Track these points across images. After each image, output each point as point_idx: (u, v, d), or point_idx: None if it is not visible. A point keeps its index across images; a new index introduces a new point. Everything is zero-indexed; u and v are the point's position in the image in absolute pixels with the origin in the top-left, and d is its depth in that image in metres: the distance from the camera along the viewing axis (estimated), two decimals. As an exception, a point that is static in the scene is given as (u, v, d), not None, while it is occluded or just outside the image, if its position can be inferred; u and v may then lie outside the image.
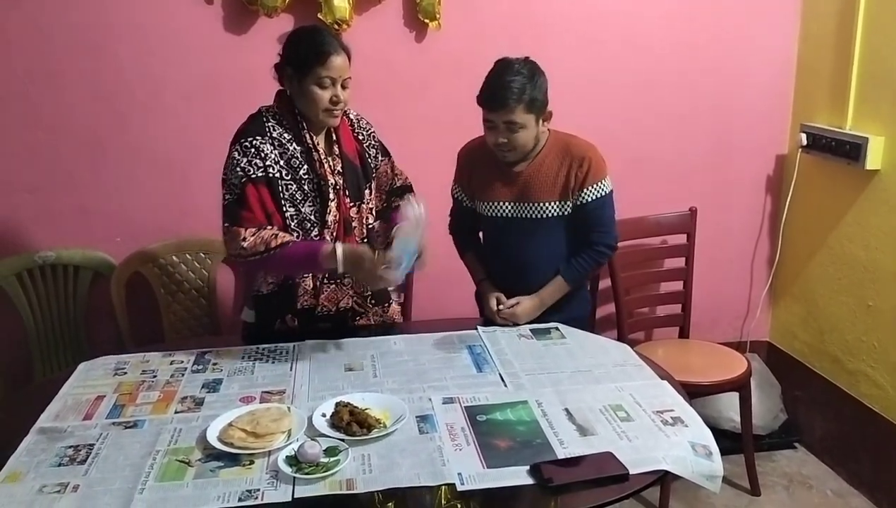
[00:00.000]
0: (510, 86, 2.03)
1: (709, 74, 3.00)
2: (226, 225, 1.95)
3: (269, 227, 1.95)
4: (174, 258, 2.76)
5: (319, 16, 2.61)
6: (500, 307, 2.17)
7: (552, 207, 2.18)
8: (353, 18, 2.66)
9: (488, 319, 2.21)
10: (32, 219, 2.69)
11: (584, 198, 2.16)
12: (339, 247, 1.90)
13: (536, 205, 2.18)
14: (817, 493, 2.80)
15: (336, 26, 2.62)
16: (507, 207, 2.21)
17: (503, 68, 2.08)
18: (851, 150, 2.66)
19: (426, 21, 2.72)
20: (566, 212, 2.19)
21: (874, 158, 2.60)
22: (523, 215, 2.20)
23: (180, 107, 2.69)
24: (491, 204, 2.23)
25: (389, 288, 2.19)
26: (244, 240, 1.91)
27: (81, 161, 2.68)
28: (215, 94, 2.68)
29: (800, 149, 2.94)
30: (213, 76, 2.68)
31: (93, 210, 2.72)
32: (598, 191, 2.17)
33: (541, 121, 2.12)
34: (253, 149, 1.95)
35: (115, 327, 2.72)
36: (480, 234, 2.39)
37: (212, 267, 2.79)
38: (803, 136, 2.91)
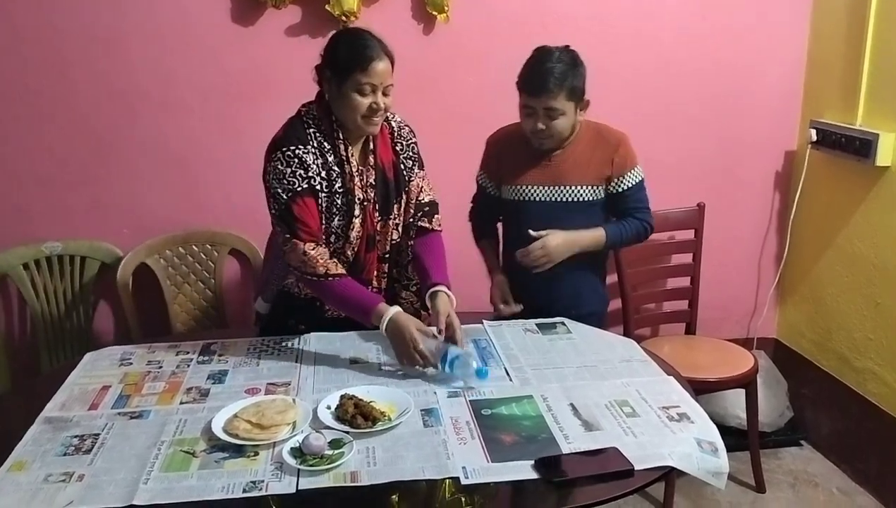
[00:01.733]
0: (552, 72, 2.04)
1: (718, 69, 2.98)
2: (282, 234, 1.89)
3: (322, 244, 1.90)
4: (181, 250, 2.76)
5: (327, 7, 2.61)
6: (534, 241, 2.11)
7: (586, 191, 2.19)
8: (360, 10, 2.65)
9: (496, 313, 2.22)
10: (40, 210, 2.70)
11: (623, 184, 2.20)
12: (390, 314, 1.85)
13: (570, 188, 2.18)
14: (823, 491, 2.79)
15: (343, 18, 2.62)
16: (537, 191, 2.21)
17: (544, 55, 2.08)
18: (861, 147, 2.64)
19: (434, 13, 2.71)
20: (598, 197, 2.20)
21: (884, 155, 2.58)
22: (554, 199, 2.20)
23: (188, 100, 2.69)
24: (520, 187, 2.22)
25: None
26: (304, 254, 1.86)
27: (90, 153, 2.68)
28: (223, 87, 2.68)
29: (809, 146, 2.92)
30: (220, 68, 2.67)
31: (101, 202, 2.73)
32: (635, 178, 2.22)
33: (578, 110, 2.13)
34: (296, 160, 1.86)
35: (121, 318, 2.73)
36: (500, 225, 2.38)
37: (218, 260, 2.79)
38: (813, 132, 2.89)
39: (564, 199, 2.19)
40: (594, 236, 2.18)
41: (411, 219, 2.08)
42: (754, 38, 2.98)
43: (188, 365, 1.90)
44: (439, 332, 1.89)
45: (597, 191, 2.19)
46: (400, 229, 2.07)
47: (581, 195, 2.18)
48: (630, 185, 2.21)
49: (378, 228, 2.01)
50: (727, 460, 1.52)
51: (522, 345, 2.00)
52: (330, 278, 1.88)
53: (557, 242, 2.12)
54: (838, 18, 2.83)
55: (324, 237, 1.93)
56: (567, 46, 2.12)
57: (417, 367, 1.83)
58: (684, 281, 2.99)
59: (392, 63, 1.87)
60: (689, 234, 2.96)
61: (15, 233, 2.68)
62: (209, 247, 2.78)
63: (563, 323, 2.14)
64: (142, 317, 2.73)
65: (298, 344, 2.01)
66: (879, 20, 2.62)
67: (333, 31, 1.97)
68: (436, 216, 2.12)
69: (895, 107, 2.58)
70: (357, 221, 1.94)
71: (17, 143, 2.64)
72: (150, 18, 2.61)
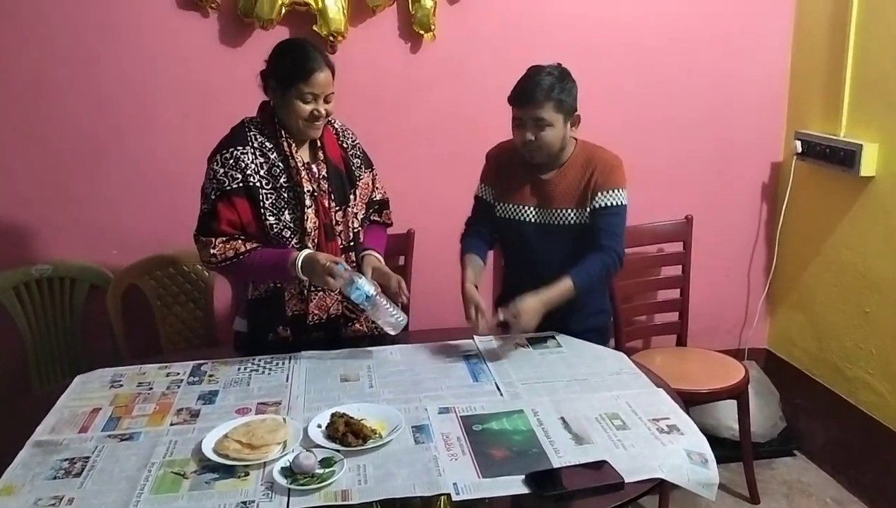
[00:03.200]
0: (540, 84, 2.08)
1: (702, 82, 3.01)
2: (195, 232, 2.02)
3: (238, 237, 1.99)
4: (171, 270, 2.75)
5: (315, 28, 2.63)
6: (502, 316, 2.03)
7: (571, 214, 2.19)
8: (348, 30, 2.67)
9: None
10: (29, 231, 2.69)
11: (598, 202, 2.16)
12: (303, 254, 1.95)
13: (557, 211, 2.20)
14: (817, 501, 2.79)
15: (331, 38, 2.64)
16: (528, 212, 2.23)
17: (535, 70, 2.13)
18: (846, 157, 2.67)
19: (421, 32, 2.73)
20: (585, 221, 2.19)
21: (868, 165, 2.61)
22: (543, 221, 2.22)
23: (176, 120, 2.70)
24: (514, 207, 2.24)
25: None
26: (213, 247, 1.98)
27: (77, 174, 2.69)
28: (211, 107, 2.69)
29: (794, 157, 2.95)
30: (208, 88, 2.69)
31: (89, 222, 2.72)
32: (614, 199, 2.16)
33: (569, 125, 2.15)
34: (232, 160, 1.98)
35: (111, 339, 2.71)
36: (488, 246, 2.35)
37: (208, 279, 2.78)
38: (798, 144, 2.92)
39: (552, 222, 2.20)
40: (563, 289, 2.06)
41: (364, 215, 2.20)
42: (738, 52, 3.01)
43: (178, 386, 1.89)
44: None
45: (582, 215, 2.19)
46: (360, 218, 2.16)
47: (567, 218, 2.19)
48: (607, 204, 2.15)
49: (338, 218, 2.09)
50: (717, 471, 1.52)
51: (513, 360, 2.01)
52: (241, 255, 1.99)
53: (528, 308, 2.01)
54: (820, 31, 2.87)
55: (276, 233, 2.00)
56: (559, 64, 2.16)
57: (340, 281, 1.92)
58: (674, 293, 3.00)
59: (333, 73, 2.00)
60: (677, 246, 2.98)
61: (4, 255, 2.67)
62: (199, 266, 2.77)
63: (553, 337, 2.14)
64: (132, 338, 2.72)
65: (289, 362, 2.01)
66: (860, 32, 2.66)
67: (278, 42, 2.06)
68: (385, 211, 2.29)
69: (878, 118, 2.61)
70: (310, 211, 2.03)
71: (3, 165, 2.63)
72: (138, 39, 2.62)
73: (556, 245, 2.20)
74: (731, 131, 3.08)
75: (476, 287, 2.17)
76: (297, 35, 2.62)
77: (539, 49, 2.80)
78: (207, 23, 2.65)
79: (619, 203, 2.17)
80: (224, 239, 1.99)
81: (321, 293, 2.09)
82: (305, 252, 1.97)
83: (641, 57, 2.95)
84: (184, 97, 2.69)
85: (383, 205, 2.28)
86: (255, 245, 2.00)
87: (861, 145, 2.60)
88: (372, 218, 2.25)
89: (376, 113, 2.76)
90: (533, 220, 2.23)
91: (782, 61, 3.06)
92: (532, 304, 2.02)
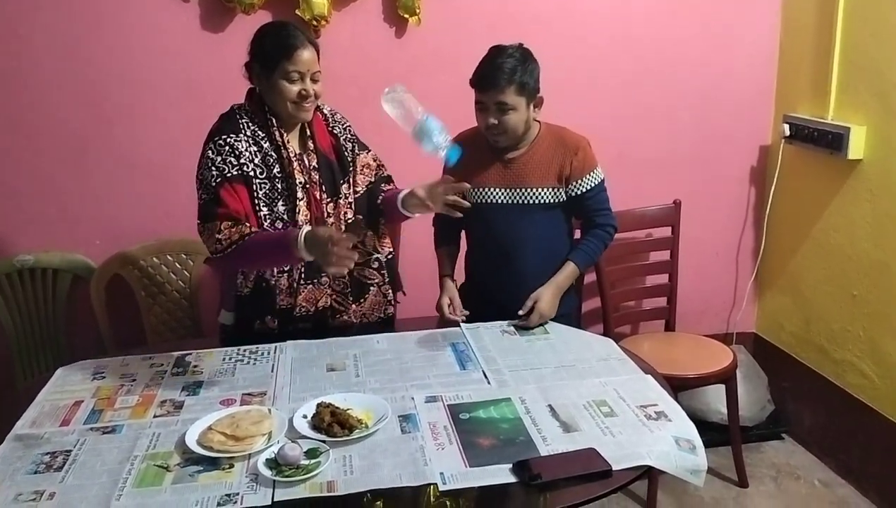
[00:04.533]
0: (501, 67, 2.06)
1: (691, 67, 2.99)
2: (199, 222, 1.94)
3: (246, 223, 1.92)
4: (155, 260, 2.73)
5: (297, 12, 2.59)
6: (521, 314, 2.11)
7: (546, 193, 2.19)
8: (331, 14, 2.64)
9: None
10: (11, 222, 2.66)
11: (581, 187, 2.21)
12: (304, 230, 1.79)
13: (530, 190, 2.19)
14: (805, 483, 2.80)
15: (314, 22, 2.60)
16: (499, 193, 2.22)
17: (496, 52, 2.11)
18: (834, 141, 2.66)
19: (406, 16, 2.70)
20: (559, 200, 2.21)
21: (856, 148, 2.60)
22: (515, 201, 2.21)
23: (158, 107, 2.66)
24: (482, 190, 2.22)
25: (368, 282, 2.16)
26: (220, 232, 1.88)
27: (59, 164, 2.65)
28: (193, 93, 2.65)
29: (783, 140, 2.94)
30: (190, 75, 2.65)
31: (72, 213, 2.69)
32: (594, 180, 2.23)
33: (532, 107, 2.14)
34: (227, 147, 1.93)
35: (95, 330, 2.69)
36: (462, 232, 2.37)
37: (193, 269, 2.76)
38: (786, 127, 2.91)
39: (524, 202, 2.20)
40: (569, 273, 2.21)
41: (375, 189, 2.17)
42: (726, 35, 2.99)
43: (162, 377, 1.87)
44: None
45: (557, 194, 2.20)
46: (353, 207, 2.10)
47: (541, 197, 2.19)
48: (590, 187, 2.22)
49: (329, 209, 2.05)
50: (705, 457, 1.52)
51: (500, 347, 1.99)
52: (246, 237, 1.89)
53: (547, 301, 2.13)
54: (808, 14, 2.85)
55: (269, 224, 1.95)
56: (520, 44, 2.14)
57: (348, 265, 1.74)
58: (662, 278, 3.00)
59: (317, 51, 1.96)
60: (666, 231, 2.97)
61: (-15, 247, 2.64)
62: (183, 256, 2.75)
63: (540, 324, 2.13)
64: (116, 329, 2.69)
65: (275, 352, 1.98)
66: (848, 15, 2.65)
67: (259, 26, 2.00)
68: (392, 184, 2.23)
69: (866, 101, 2.60)
70: (302, 204, 1.99)
71: (-15, 156, 2.60)
72: (119, 26, 2.58)
73: (527, 224, 2.21)
74: (719, 115, 3.07)
75: (453, 275, 2.30)
76: (279, 19, 2.58)
77: (526, 35, 2.77)
78: (188, 7, 2.60)
79: (600, 179, 2.25)
80: (230, 223, 1.89)
81: (310, 286, 2.05)
82: (306, 228, 1.81)
83: (630, 41, 2.92)
84: (167, 85, 2.65)
85: (390, 179, 2.24)
86: (254, 229, 1.92)
87: (849, 128, 2.59)
88: (384, 193, 2.18)
89: (360, 98, 2.70)
90: (502, 202, 2.22)
91: (770, 44, 3.04)
92: (547, 297, 2.13)
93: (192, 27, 2.62)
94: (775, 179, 3.03)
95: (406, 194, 2.07)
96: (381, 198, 2.17)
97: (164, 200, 2.72)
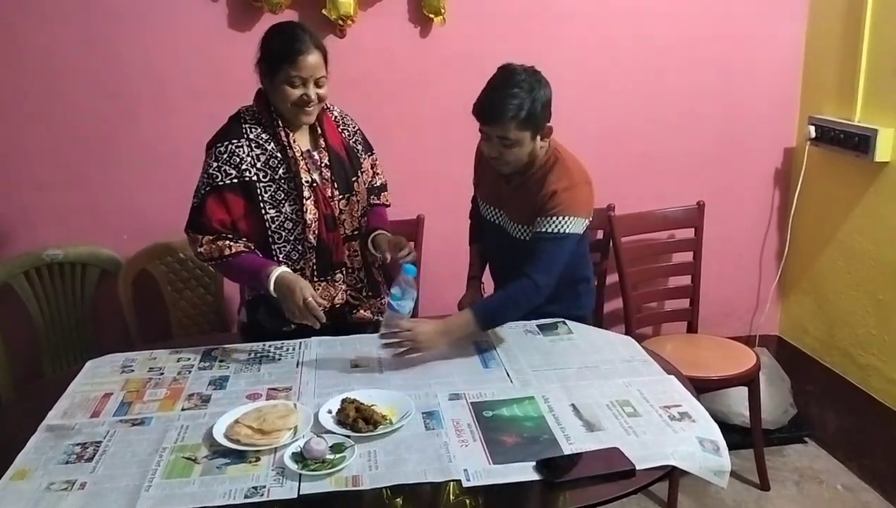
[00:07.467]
0: (505, 102, 1.90)
1: (716, 67, 2.98)
2: (186, 227, 2.00)
3: (227, 236, 1.96)
4: (181, 255, 2.75)
5: (324, 11, 2.61)
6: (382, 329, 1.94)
7: (522, 230, 2.10)
8: (357, 14, 2.65)
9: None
10: (40, 216, 2.70)
11: (538, 226, 1.99)
12: (275, 274, 1.89)
13: (513, 224, 2.14)
14: (828, 488, 2.78)
15: (340, 22, 2.62)
16: (494, 214, 2.22)
17: (503, 80, 1.95)
18: (860, 143, 2.63)
19: (431, 16, 2.71)
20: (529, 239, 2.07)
21: (883, 150, 2.57)
22: (504, 227, 2.19)
23: (186, 104, 2.69)
24: (487, 207, 2.24)
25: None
26: (200, 246, 1.97)
27: (88, 158, 2.69)
28: (221, 91, 2.67)
29: (808, 142, 2.92)
30: (218, 72, 2.68)
31: (100, 207, 2.73)
32: (553, 226, 1.97)
33: (538, 138, 2.00)
34: (226, 155, 1.96)
35: (122, 324, 2.72)
36: None
37: (219, 265, 2.79)
38: (811, 129, 2.88)
39: (508, 232, 2.16)
40: (463, 322, 1.93)
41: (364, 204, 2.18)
42: (752, 36, 2.98)
43: (189, 371, 1.90)
44: (383, 261, 2.04)
45: (528, 234, 2.07)
46: (362, 205, 2.14)
47: (519, 233, 2.11)
48: (543, 230, 1.97)
49: (342, 206, 2.06)
50: (729, 458, 1.52)
51: (523, 346, 2.00)
52: (225, 258, 1.96)
53: (425, 331, 1.89)
54: (835, 14, 2.83)
55: (277, 226, 1.98)
56: (532, 67, 1.98)
57: (305, 321, 1.86)
58: (685, 280, 2.98)
59: (324, 55, 1.95)
60: (689, 233, 2.96)
61: (16, 240, 2.68)
62: (209, 252, 2.78)
63: (563, 323, 2.13)
64: (143, 323, 2.73)
65: (299, 348, 2.00)
66: (877, 15, 2.62)
67: (268, 26, 2.02)
68: (384, 193, 2.24)
69: (893, 103, 2.57)
70: (309, 203, 1.99)
71: (15, 149, 2.65)
72: (147, 23, 2.62)
73: (509, 254, 2.13)
74: (744, 116, 3.05)
75: (481, 277, 2.30)
76: (305, 19, 2.61)
77: (551, 35, 2.79)
78: (217, 6, 2.63)
79: (559, 231, 1.96)
80: (211, 237, 1.95)
81: (324, 283, 2.07)
82: (281, 270, 1.90)
83: (654, 40, 2.91)
84: (194, 82, 2.68)
85: (382, 188, 2.24)
86: (241, 248, 1.96)
87: (876, 130, 2.57)
88: (372, 201, 2.20)
89: (385, 98, 2.75)
90: (496, 222, 2.21)
91: (796, 45, 3.02)
92: (431, 327, 1.90)
93: (220, 25, 2.65)
94: (800, 181, 3.01)
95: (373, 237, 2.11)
96: (366, 217, 2.17)
97: (191, 195, 2.74)
